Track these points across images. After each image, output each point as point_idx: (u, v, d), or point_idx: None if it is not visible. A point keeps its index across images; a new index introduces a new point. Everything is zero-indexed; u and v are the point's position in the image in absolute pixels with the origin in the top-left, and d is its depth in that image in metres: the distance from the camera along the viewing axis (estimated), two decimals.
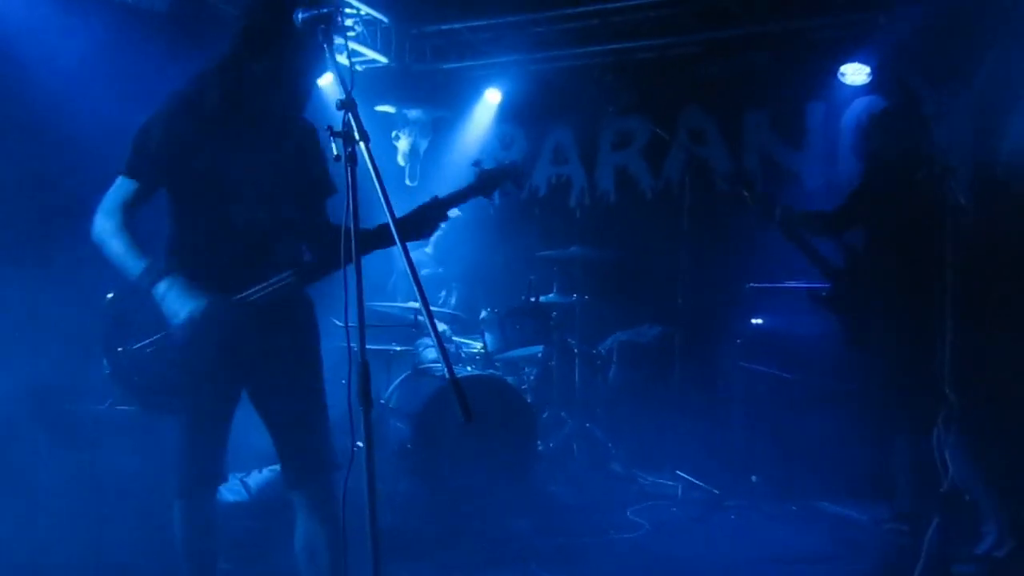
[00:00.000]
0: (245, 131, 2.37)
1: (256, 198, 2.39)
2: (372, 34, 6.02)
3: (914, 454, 3.40)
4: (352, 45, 5.81)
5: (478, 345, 4.97)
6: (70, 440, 3.30)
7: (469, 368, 4.86)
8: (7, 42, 3.55)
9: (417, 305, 4.78)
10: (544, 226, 6.41)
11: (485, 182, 2.69)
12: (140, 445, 3.32)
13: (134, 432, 3.30)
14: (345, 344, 1.82)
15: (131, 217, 2.32)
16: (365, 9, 5.76)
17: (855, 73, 5.33)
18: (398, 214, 1.95)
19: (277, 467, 4.10)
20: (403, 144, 6.63)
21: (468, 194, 2.68)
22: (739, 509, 4.37)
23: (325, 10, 1.89)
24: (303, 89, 2.41)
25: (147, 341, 2.30)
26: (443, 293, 5.56)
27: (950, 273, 2.84)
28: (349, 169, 1.77)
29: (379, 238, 2.34)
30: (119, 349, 2.31)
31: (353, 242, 1.73)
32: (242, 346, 2.38)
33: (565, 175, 6.65)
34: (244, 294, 2.33)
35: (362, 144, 1.77)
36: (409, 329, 4.89)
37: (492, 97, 6.52)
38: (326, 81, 5.70)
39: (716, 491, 4.51)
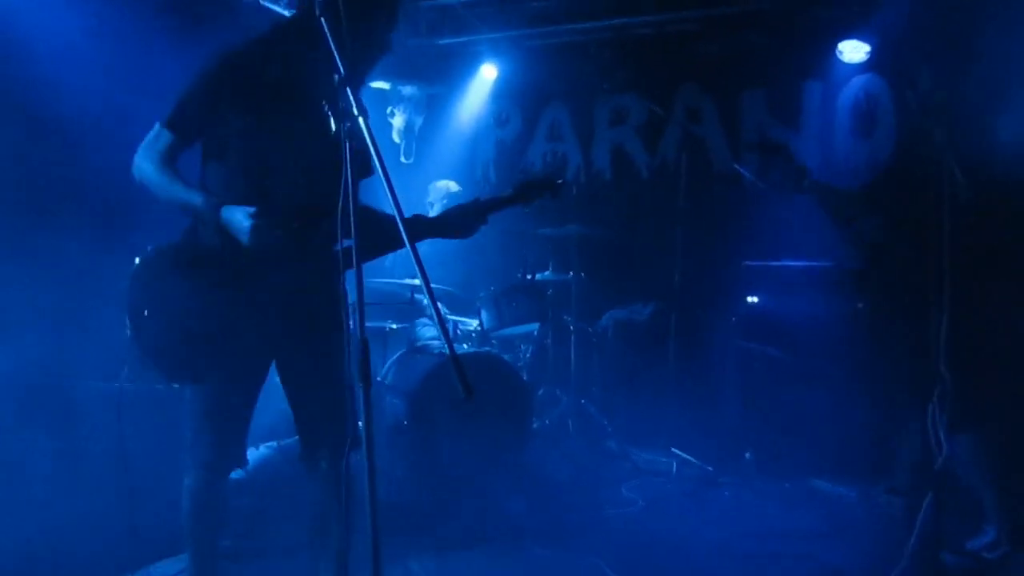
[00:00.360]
0: (296, 105, 2.30)
1: (294, 174, 2.33)
2: None
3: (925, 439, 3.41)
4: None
5: (474, 323, 4.98)
6: (69, 419, 3.30)
7: (465, 346, 4.87)
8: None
9: (415, 282, 4.78)
10: (539, 203, 6.37)
11: (525, 192, 2.72)
12: (147, 421, 3.32)
13: (140, 408, 3.30)
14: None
15: (171, 162, 2.30)
16: None
17: (853, 51, 5.29)
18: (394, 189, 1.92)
19: (274, 444, 4.17)
20: (398, 121, 6.59)
21: (508, 202, 2.71)
22: (733, 486, 4.41)
23: None
24: (363, 67, 2.35)
25: (170, 309, 2.24)
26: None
27: (947, 249, 2.84)
28: (348, 145, 1.75)
29: (429, 227, 2.40)
30: (144, 312, 2.24)
31: (352, 218, 1.72)
32: (273, 317, 2.35)
33: (561, 152, 6.62)
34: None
35: (361, 120, 1.75)
36: (405, 306, 4.89)
37: (488, 73, 6.47)
38: None
39: (710, 468, 4.55)
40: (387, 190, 1.75)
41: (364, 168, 2.32)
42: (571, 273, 5.27)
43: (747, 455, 4.62)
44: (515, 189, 2.72)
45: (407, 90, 6.65)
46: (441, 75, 6.59)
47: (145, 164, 2.31)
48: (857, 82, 5.59)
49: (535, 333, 5.29)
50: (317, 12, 1.88)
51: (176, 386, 2.48)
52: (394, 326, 4.88)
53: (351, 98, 1.76)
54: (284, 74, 2.28)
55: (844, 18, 5.29)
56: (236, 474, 4.08)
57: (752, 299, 4.98)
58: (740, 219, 5.35)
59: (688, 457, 4.71)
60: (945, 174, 3.10)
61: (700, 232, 5.25)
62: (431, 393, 4.23)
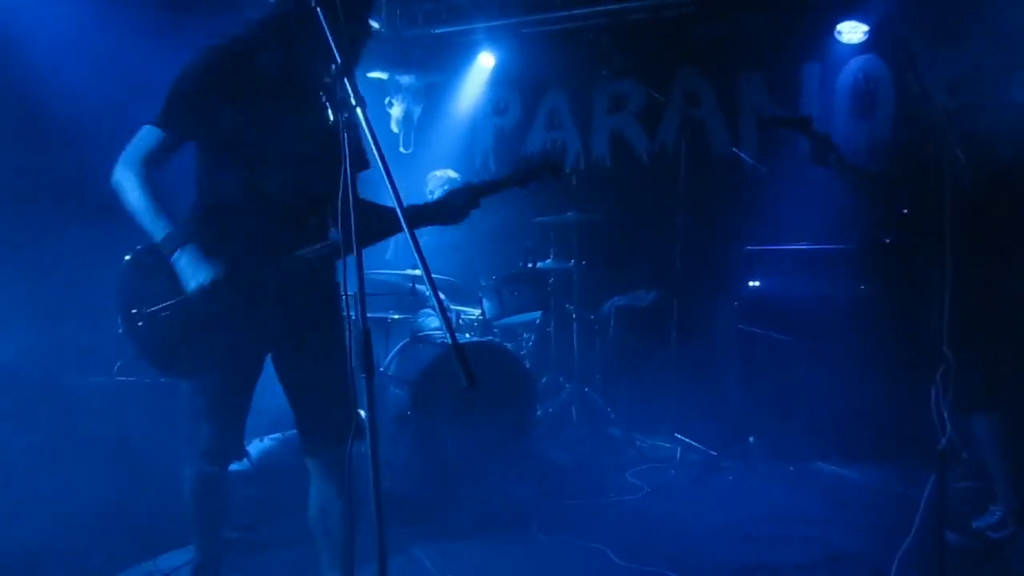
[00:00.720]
0: (283, 96, 2.28)
1: (288, 168, 2.32)
2: None
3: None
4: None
5: (476, 312, 4.98)
6: (73, 410, 3.31)
7: (468, 335, 4.87)
8: None
9: (416, 272, 4.78)
10: (539, 191, 6.35)
11: (522, 173, 2.66)
12: (145, 414, 3.34)
13: (137, 402, 3.31)
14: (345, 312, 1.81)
15: (154, 171, 2.24)
16: None
17: (851, 31, 5.27)
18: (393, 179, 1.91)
19: (278, 436, 4.18)
20: (396, 111, 6.57)
21: (503, 184, 2.64)
22: (737, 470, 4.42)
23: None
24: (351, 56, 2.28)
25: (162, 305, 2.25)
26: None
27: (949, 229, 2.83)
28: (346, 135, 1.74)
29: (422, 215, 2.39)
30: (133, 311, 2.26)
31: (352, 209, 1.71)
32: (267, 311, 2.34)
33: (560, 140, 6.60)
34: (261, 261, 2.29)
35: (359, 110, 1.75)
36: (407, 297, 4.89)
37: (485, 61, 6.44)
38: None
39: (714, 453, 4.56)
40: (387, 181, 1.74)
41: (361, 160, 2.35)
42: (572, 261, 5.26)
43: (751, 439, 4.62)
44: (512, 171, 2.66)
45: (405, 80, 6.63)
46: (439, 64, 6.56)
47: (126, 171, 2.23)
48: (856, 63, 5.57)
49: (537, 321, 5.29)
50: (312, 3, 1.86)
51: (171, 380, 2.48)
52: (396, 316, 4.88)
53: (349, 88, 1.74)
54: (275, 67, 2.26)
55: None
56: (241, 466, 4.15)
57: (754, 283, 4.98)
58: (740, 203, 5.34)
59: (692, 442, 4.72)
60: (946, 154, 3.09)
61: (701, 217, 5.24)
62: (434, 383, 4.23)
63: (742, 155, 5.16)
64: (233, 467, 4.12)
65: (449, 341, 1.66)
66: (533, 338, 5.34)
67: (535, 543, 3.46)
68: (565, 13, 6.05)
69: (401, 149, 6.55)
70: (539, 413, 4.85)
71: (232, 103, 2.22)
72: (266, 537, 3.37)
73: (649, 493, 4.11)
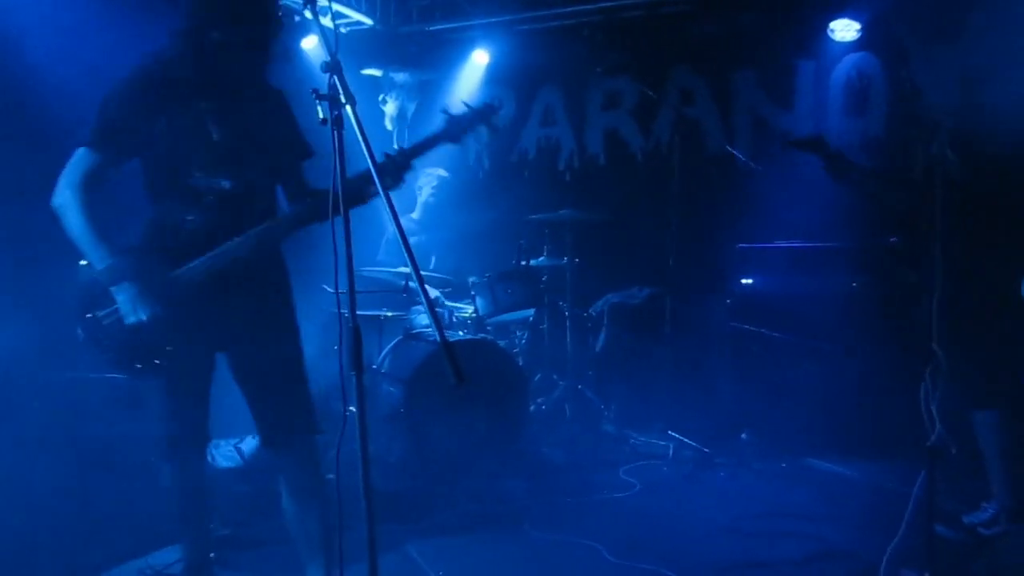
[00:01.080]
0: (205, 98, 2.38)
1: (219, 164, 2.39)
2: None
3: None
4: (336, 7, 5.71)
5: (469, 309, 4.98)
6: (62, 406, 3.31)
7: (461, 332, 4.87)
8: None
9: (408, 270, 4.78)
10: (534, 189, 6.38)
11: (454, 127, 2.60)
12: (125, 410, 3.34)
13: (118, 398, 3.31)
14: (335, 310, 1.82)
15: (93, 191, 2.35)
16: None
17: (844, 29, 5.29)
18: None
19: None
20: (391, 108, 6.57)
21: (435, 141, 2.58)
22: (729, 467, 4.44)
23: None
24: (263, 53, 2.40)
25: (112, 308, 2.32)
26: (433, 258, 5.55)
27: (939, 227, 2.85)
28: (336, 133, 1.75)
29: (362, 187, 2.34)
30: (88, 316, 2.34)
31: (342, 207, 1.72)
32: (214, 310, 2.40)
33: (554, 137, 6.61)
34: (191, 265, 2.35)
35: (348, 107, 1.75)
36: (400, 295, 4.89)
37: (480, 59, 6.44)
38: (311, 44, 5.67)
39: (707, 450, 4.57)
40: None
41: (301, 147, 2.54)
42: (566, 258, 5.27)
43: (743, 436, 4.64)
44: (443, 125, 2.60)
45: (399, 77, 6.63)
46: (433, 61, 6.56)
47: (67, 192, 2.33)
48: (849, 60, 5.58)
49: (531, 319, 5.30)
50: (303, 6, 1.89)
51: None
52: (389, 314, 4.88)
53: (339, 85, 1.75)
54: (195, 73, 2.35)
55: None
56: (234, 463, 4.16)
57: (747, 281, 4.99)
58: (734, 201, 5.35)
59: (685, 439, 4.73)
60: (936, 152, 3.10)
61: (694, 215, 5.25)
62: (427, 380, 4.23)
63: (736, 153, 5.17)
64: (226, 464, 4.18)
65: (437, 333, 1.67)
66: (526, 335, 5.34)
67: (528, 540, 3.47)
68: (559, 10, 6.05)
69: (395, 146, 6.53)
70: (532, 410, 4.85)
71: (158, 115, 2.33)
72: (259, 534, 3.37)
73: (642, 490, 4.12)
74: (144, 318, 2.27)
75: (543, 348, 5.36)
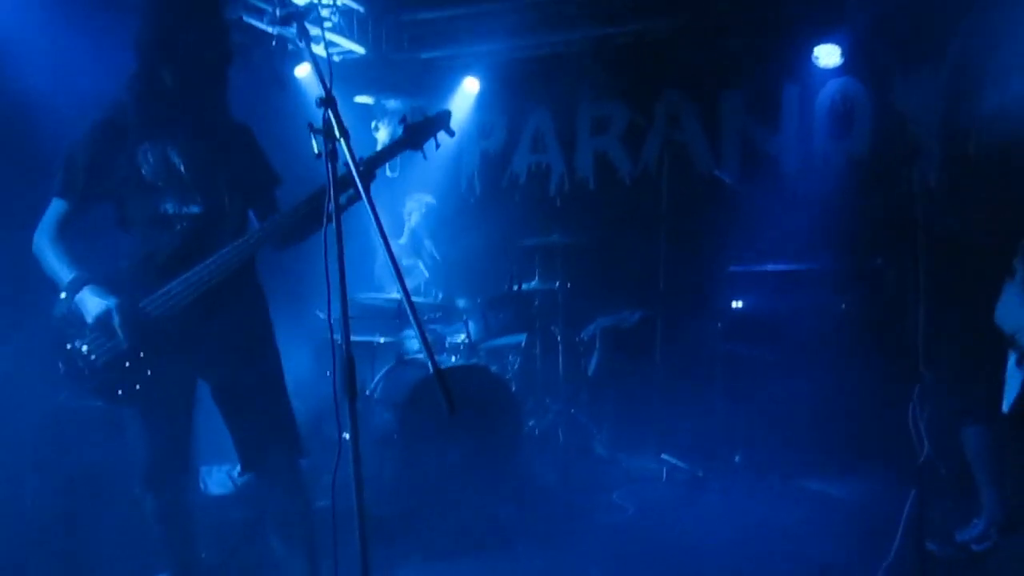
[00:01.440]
0: (165, 133, 2.46)
1: (187, 192, 2.46)
2: (348, 23, 5.98)
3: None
4: (329, 36, 5.79)
5: (462, 335, 5.00)
6: (44, 432, 3.31)
7: (453, 358, 4.89)
8: None
9: (401, 296, 4.80)
10: (524, 214, 6.43)
11: (413, 134, 2.59)
12: (107, 437, 3.33)
13: (101, 424, 3.31)
14: (329, 336, 1.85)
15: (68, 233, 2.45)
16: None
17: (828, 55, 5.39)
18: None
19: None
20: (382, 135, 6.62)
21: (395, 149, 2.59)
22: (723, 489, 4.45)
23: (300, 8, 1.91)
24: (217, 88, 2.50)
25: (91, 337, 2.34)
26: (424, 283, 5.58)
27: (923, 251, 2.90)
28: (330, 166, 1.79)
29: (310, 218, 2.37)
30: (68, 347, 2.36)
31: (336, 237, 1.75)
32: (191, 336, 2.42)
33: (544, 162, 6.66)
34: (167, 289, 2.38)
35: (342, 141, 1.79)
36: (393, 320, 4.91)
37: (471, 85, 6.51)
38: (304, 72, 5.73)
39: (699, 472, 4.58)
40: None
41: (267, 179, 2.63)
42: (557, 282, 5.30)
43: (736, 458, 4.66)
44: (402, 132, 2.59)
45: (391, 104, 6.68)
46: (425, 88, 6.61)
47: (39, 238, 2.46)
48: (833, 85, 5.67)
49: (523, 344, 5.32)
50: (297, 37, 1.94)
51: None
52: (382, 340, 4.90)
53: (333, 119, 1.79)
54: (153, 112, 2.45)
55: (817, 21, 5.37)
56: (224, 490, 4.15)
57: (737, 303, 5.03)
58: (722, 223, 5.40)
59: (677, 462, 4.74)
60: (917, 173, 3.16)
61: (684, 238, 5.30)
62: (420, 405, 4.25)
63: (723, 176, 5.24)
64: (217, 491, 4.17)
65: (429, 362, 1.69)
66: (519, 360, 5.36)
67: (521, 564, 3.47)
68: (549, 38, 6.14)
69: (387, 172, 6.59)
70: (525, 434, 4.86)
71: (121, 159, 2.42)
72: (250, 560, 3.36)
73: (635, 513, 4.12)
74: (100, 311, 2.30)
75: (535, 372, 5.38)
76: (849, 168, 5.63)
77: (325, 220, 1.79)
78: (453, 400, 1.63)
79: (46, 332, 2.39)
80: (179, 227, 2.45)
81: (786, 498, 4.32)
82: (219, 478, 4.20)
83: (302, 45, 2.02)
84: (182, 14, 2.39)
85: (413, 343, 5.03)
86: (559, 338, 5.32)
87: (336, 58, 6.09)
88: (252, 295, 2.63)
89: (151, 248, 2.45)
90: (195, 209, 2.46)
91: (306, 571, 2.54)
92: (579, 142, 6.54)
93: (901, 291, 3.93)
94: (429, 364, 1.68)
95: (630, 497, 4.36)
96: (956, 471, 3.50)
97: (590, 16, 5.89)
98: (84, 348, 2.34)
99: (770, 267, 5.04)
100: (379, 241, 1.83)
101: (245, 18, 5.10)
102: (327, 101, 1.82)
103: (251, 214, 2.65)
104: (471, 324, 4.93)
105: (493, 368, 4.89)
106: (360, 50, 6.12)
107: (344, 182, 2.10)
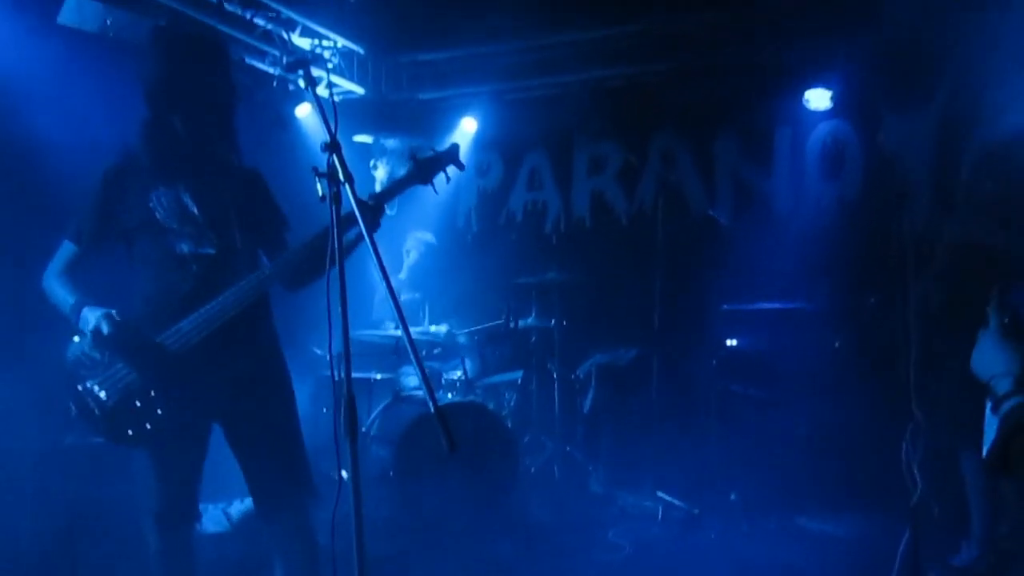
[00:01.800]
0: (178, 176, 2.51)
1: (202, 234, 2.50)
2: (349, 64, 6.10)
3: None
4: (327, 75, 5.89)
5: (458, 372, 5.02)
6: (55, 473, 3.31)
7: (450, 395, 4.91)
8: None
9: (399, 333, 4.83)
10: (521, 251, 6.49)
11: (422, 169, 2.64)
12: (117, 475, 3.33)
13: (100, 460, 3.31)
14: (325, 373, 1.88)
15: (74, 271, 2.52)
16: (341, 41, 5.85)
17: (819, 99, 5.50)
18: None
19: None
20: (381, 173, 6.70)
21: (405, 183, 2.64)
22: (719, 528, 4.43)
23: (309, 56, 1.98)
24: (224, 129, 2.56)
25: (103, 376, 2.36)
26: (423, 318, 5.61)
27: (913, 294, 2.95)
28: (334, 209, 1.83)
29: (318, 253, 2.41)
30: (79, 388, 2.38)
31: (339, 276, 1.79)
32: (205, 378, 2.43)
33: (541, 200, 6.74)
34: (179, 327, 2.40)
35: (347, 185, 1.84)
36: (390, 357, 4.93)
37: (468, 125, 6.61)
38: (304, 112, 5.83)
39: (696, 511, 4.57)
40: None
41: (277, 222, 2.68)
42: (553, 320, 5.34)
43: (732, 496, 4.65)
44: (411, 167, 2.65)
45: (390, 143, 6.78)
46: (423, 128, 6.71)
47: (48, 277, 2.53)
48: (825, 127, 5.78)
49: (519, 380, 5.34)
50: (303, 84, 2.00)
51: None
52: (379, 376, 4.91)
53: (337, 164, 1.85)
54: (162, 158, 2.51)
55: (808, 66, 5.49)
56: (220, 527, 4.13)
57: (732, 342, 5.07)
58: (717, 262, 5.45)
59: (674, 500, 4.73)
60: (907, 214, 3.22)
61: (679, 276, 5.35)
62: (416, 443, 4.25)
63: (717, 216, 5.31)
64: (213, 529, 4.15)
65: (430, 402, 1.72)
66: (515, 397, 5.37)
67: None
68: (545, 80, 6.25)
69: (387, 211, 6.65)
70: (521, 471, 4.86)
71: (128, 205, 2.49)
72: None
73: (632, 552, 4.11)
74: (97, 322, 2.33)
75: (531, 409, 5.39)
76: (841, 208, 5.72)
77: (328, 264, 1.82)
78: (453, 438, 1.65)
79: (57, 373, 2.41)
80: (194, 268, 2.48)
81: (782, 536, 4.31)
82: (215, 515, 4.18)
83: (308, 91, 2.08)
84: (189, 61, 2.46)
85: (410, 380, 5.05)
86: (555, 375, 5.34)
87: (337, 98, 6.19)
88: (267, 336, 2.65)
89: (164, 288, 2.47)
90: (209, 250, 2.50)
91: None
92: (575, 181, 6.62)
93: (893, 330, 3.97)
94: (429, 402, 1.70)
95: (626, 535, 4.35)
96: (950, 511, 3.51)
97: (585, 59, 6.00)
98: (95, 387, 2.35)
99: (764, 305, 5.09)
100: (377, 277, 1.86)
101: (247, 60, 5.21)
102: (332, 146, 1.87)
103: (263, 255, 2.68)
104: (468, 361, 4.95)
105: (490, 405, 4.90)
106: (360, 90, 6.23)
107: (349, 221, 2.15)
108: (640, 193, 6.37)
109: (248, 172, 2.69)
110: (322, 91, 1.98)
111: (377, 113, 6.47)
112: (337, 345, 1.84)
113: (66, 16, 4.09)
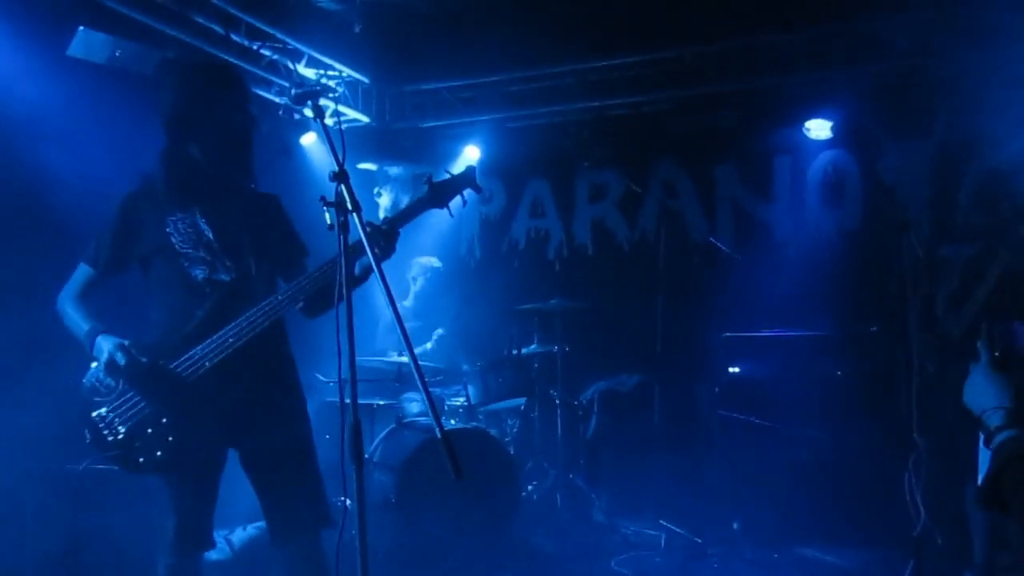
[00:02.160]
0: (195, 203, 2.55)
1: (217, 261, 2.52)
2: (354, 94, 6.18)
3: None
4: (334, 106, 5.97)
5: (461, 399, 5.03)
6: (59, 497, 3.31)
7: (453, 421, 4.91)
8: None
9: (402, 359, 4.85)
10: (524, 278, 6.53)
11: (439, 192, 2.64)
12: (126, 502, 3.33)
13: (121, 489, 3.31)
14: (328, 399, 1.89)
15: (90, 297, 2.55)
16: (347, 71, 5.93)
17: (819, 129, 5.56)
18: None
19: (261, 524, 4.14)
20: (385, 200, 6.76)
21: (420, 207, 2.63)
22: (721, 557, 4.41)
23: (317, 87, 2.02)
24: (241, 155, 2.59)
25: (117, 403, 2.38)
26: (426, 345, 5.62)
27: (913, 321, 2.97)
28: (342, 238, 1.86)
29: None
30: (93, 415, 2.39)
31: (347, 310, 1.81)
32: (220, 404, 2.44)
33: (543, 228, 6.79)
34: (192, 353, 2.42)
35: (355, 215, 1.87)
36: (392, 383, 4.94)
37: (471, 154, 6.66)
38: (309, 140, 5.89)
39: (698, 539, 4.55)
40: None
41: (295, 250, 2.69)
42: (556, 346, 5.35)
43: (735, 525, 4.63)
44: (427, 191, 2.63)
45: (394, 171, 6.85)
46: (426, 155, 6.77)
47: (63, 298, 2.57)
48: (825, 157, 5.84)
49: (522, 407, 5.34)
50: (311, 114, 2.03)
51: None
52: (381, 402, 4.92)
53: (345, 193, 1.88)
54: (183, 183, 2.54)
55: (808, 96, 5.56)
56: (222, 555, 4.11)
57: (734, 369, 5.07)
58: (718, 289, 5.48)
59: (676, 529, 4.71)
60: (906, 243, 3.25)
61: (681, 304, 5.36)
62: (419, 469, 4.24)
63: (718, 244, 5.35)
64: (215, 556, 4.13)
65: (435, 426, 1.73)
66: (518, 424, 5.37)
67: None
68: (548, 109, 6.32)
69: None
70: (523, 499, 4.85)
71: (147, 232, 2.53)
72: None
73: None
74: (111, 349, 2.35)
75: (534, 436, 5.38)
76: (841, 236, 5.76)
77: (337, 297, 1.84)
78: (459, 465, 1.66)
79: (62, 400, 2.43)
80: (209, 292, 2.49)
81: (785, 566, 4.29)
82: (217, 542, 4.16)
83: (316, 121, 2.11)
84: (207, 89, 2.50)
85: (412, 406, 5.05)
86: (558, 402, 5.35)
87: (343, 127, 6.27)
88: (283, 363, 2.66)
89: (179, 314, 2.49)
90: (225, 276, 2.52)
91: None
92: (577, 208, 6.67)
93: (895, 359, 3.98)
94: (436, 428, 1.71)
95: (629, 564, 4.33)
96: (954, 540, 3.50)
97: (587, 88, 6.08)
98: (109, 414, 2.37)
99: (766, 333, 5.10)
100: (383, 304, 1.89)
101: (253, 89, 5.27)
102: (340, 176, 1.90)
103: (281, 282, 2.69)
104: (470, 387, 4.95)
105: (492, 431, 4.90)
106: (364, 119, 6.31)
107: (359, 249, 2.17)
108: (641, 220, 6.41)
109: (265, 198, 2.71)
110: (328, 120, 2.01)
111: (381, 141, 6.54)
112: (344, 371, 1.86)
113: (75, 48, 4.16)
